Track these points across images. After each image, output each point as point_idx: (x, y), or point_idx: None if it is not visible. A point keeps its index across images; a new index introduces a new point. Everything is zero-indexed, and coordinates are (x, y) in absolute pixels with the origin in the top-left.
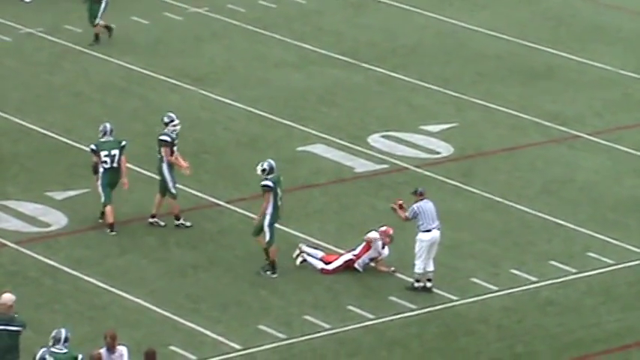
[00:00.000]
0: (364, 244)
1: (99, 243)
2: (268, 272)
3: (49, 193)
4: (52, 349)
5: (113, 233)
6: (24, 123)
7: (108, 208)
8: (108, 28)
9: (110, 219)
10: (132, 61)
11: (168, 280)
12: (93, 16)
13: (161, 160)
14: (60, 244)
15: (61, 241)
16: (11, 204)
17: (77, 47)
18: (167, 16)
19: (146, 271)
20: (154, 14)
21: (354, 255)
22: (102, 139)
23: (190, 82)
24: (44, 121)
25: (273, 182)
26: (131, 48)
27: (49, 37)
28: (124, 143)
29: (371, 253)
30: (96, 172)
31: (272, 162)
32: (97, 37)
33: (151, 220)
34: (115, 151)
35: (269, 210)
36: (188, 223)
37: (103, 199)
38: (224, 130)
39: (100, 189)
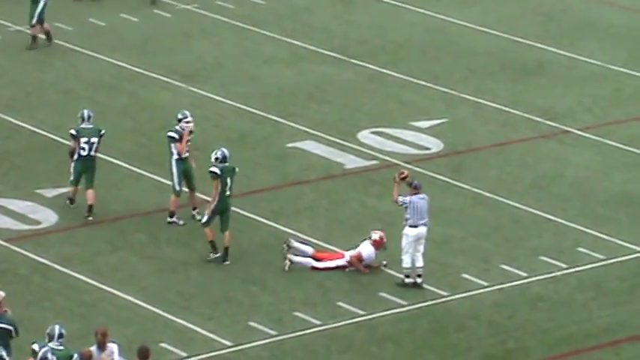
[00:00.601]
0: (357, 251)
1: (89, 240)
2: (212, 254)
3: (39, 191)
4: (51, 346)
5: (73, 206)
6: (14, 120)
7: (72, 188)
8: (47, 34)
9: (73, 195)
10: (121, 59)
11: (159, 278)
12: (30, 16)
13: (171, 155)
14: (50, 241)
15: (51, 238)
16: (1, 202)
17: (67, 45)
18: (156, 13)
19: (137, 269)
20: (143, 11)
21: (347, 262)
22: (82, 125)
23: (180, 79)
24: (34, 118)
25: (221, 170)
26: (121, 45)
27: (39, 35)
28: (103, 131)
29: (365, 262)
30: (72, 155)
31: (225, 151)
32: (34, 39)
33: (193, 212)
34: (95, 139)
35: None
36: (181, 222)
37: (71, 178)
38: (214, 127)
39: (71, 169)
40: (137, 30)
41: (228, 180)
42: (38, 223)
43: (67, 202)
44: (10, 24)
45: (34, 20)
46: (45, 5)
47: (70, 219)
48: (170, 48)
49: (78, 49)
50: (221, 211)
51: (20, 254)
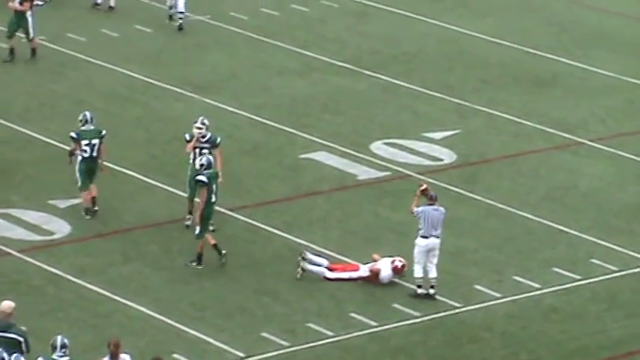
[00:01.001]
0: (377, 267)
1: (102, 251)
2: (194, 263)
3: (52, 202)
4: (55, 357)
5: (88, 217)
6: (27, 131)
7: (84, 193)
8: (12, 50)
9: (85, 203)
10: (135, 70)
11: (172, 289)
12: (25, 31)
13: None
14: (63, 252)
15: (64, 249)
16: (15, 212)
17: (80, 56)
18: (170, 25)
19: (150, 280)
20: (157, 22)
21: (361, 277)
22: (82, 128)
23: (193, 90)
24: (48, 129)
25: (208, 178)
26: (134, 56)
27: (53, 46)
28: (104, 132)
29: (380, 281)
30: (71, 156)
31: (210, 158)
32: (34, 51)
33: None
34: (96, 141)
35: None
36: (188, 222)
37: (79, 184)
38: (227, 138)
39: (77, 174)
40: (150, 41)
41: (214, 186)
42: (51, 233)
43: (83, 213)
44: (23, 35)
45: (32, 34)
46: (32, 17)
47: (83, 230)
48: (183, 59)
49: (91, 59)
50: (207, 217)
51: (33, 265)
